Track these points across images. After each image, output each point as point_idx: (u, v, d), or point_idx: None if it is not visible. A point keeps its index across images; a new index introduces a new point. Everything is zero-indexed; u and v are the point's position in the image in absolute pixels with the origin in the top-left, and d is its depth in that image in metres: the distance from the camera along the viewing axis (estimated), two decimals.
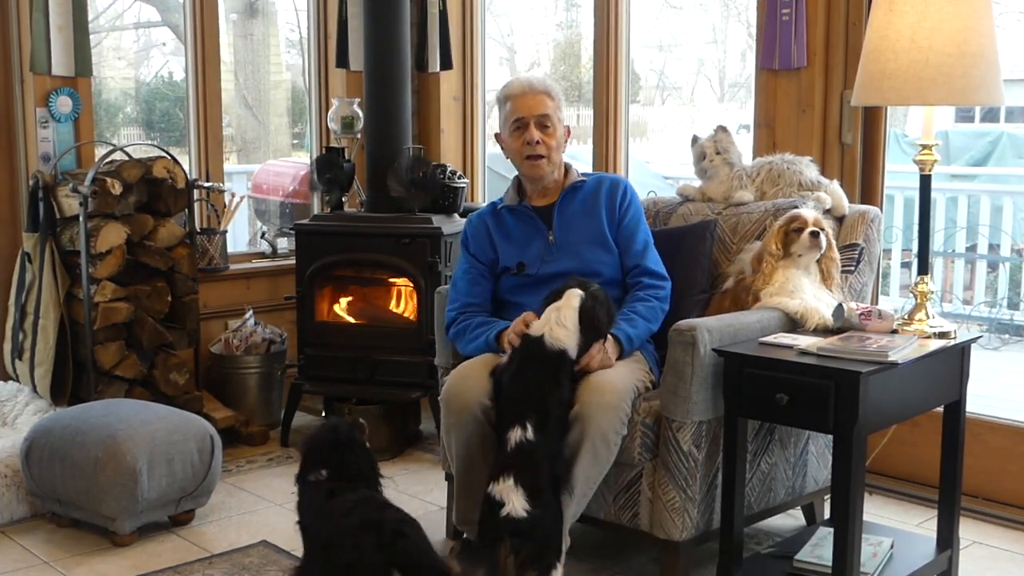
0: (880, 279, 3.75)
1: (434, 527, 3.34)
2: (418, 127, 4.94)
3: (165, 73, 6.22)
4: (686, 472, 2.69)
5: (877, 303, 3.40)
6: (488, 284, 3.12)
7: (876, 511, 3.42)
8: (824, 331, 2.76)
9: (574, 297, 2.76)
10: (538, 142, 3.04)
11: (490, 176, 5.42)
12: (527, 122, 3.05)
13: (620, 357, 2.87)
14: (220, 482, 3.52)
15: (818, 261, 2.96)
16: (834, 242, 3.00)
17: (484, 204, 4.64)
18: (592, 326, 2.76)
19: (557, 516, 2.60)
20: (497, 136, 3.19)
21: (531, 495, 2.52)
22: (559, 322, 2.72)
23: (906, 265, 6.20)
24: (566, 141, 3.15)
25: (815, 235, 2.89)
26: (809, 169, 3.29)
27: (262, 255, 4.79)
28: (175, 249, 4.00)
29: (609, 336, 2.86)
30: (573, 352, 2.73)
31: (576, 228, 3.08)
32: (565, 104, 3.18)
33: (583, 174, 3.22)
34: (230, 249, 4.53)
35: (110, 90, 5.83)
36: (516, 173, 3.20)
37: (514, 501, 2.51)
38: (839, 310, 2.75)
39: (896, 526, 3.21)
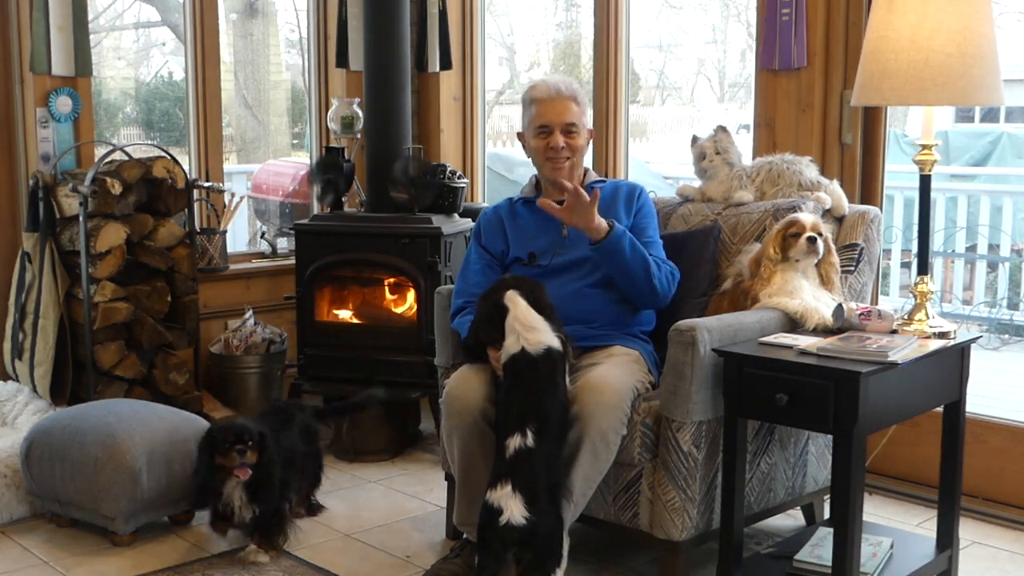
0: (880, 279, 3.75)
1: (434, 527, 3.34)
2: (418, 127, 4.94)
3: (165, 73, 6.23)
4: (686, 472, 2.69)
5: (877, 303, 3.40)
6: (496, 275, 3.14)
7: (876, 511, 3.42)
8: (824, 331, 2.76)
9: (517, 297, 2.70)
10: (563, 147, 3.07)
11: (490, 176, 5.43)
12: (552, 129, 3.07)
13: (605, 240, 2.87)
14: None
15: (817, 265, 2.95)
16: (833, 247, 2.99)
17: (484, 204, 4.67)
18: (547, 309, 2.72)
19: (556, 522, 2.58)
20: (520, 135, 3.21)
21: (529, 502, 2.50)
22: (526, 327, 2.67)
23: (906, 265, 6.21)
24: (588, 144, 3.18)
25: (812, 240, 2.88)
26: (809, 169, 3.29)
27: (262, 255, 4.79)
28: (175, 249, 4.00)
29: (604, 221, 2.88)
30: (556, 344, 2.67)
31: None
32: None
33: (600, 178, 3.25)
34: (230, 249, 4.53)
35: (110, 90, 5.83)
36: (533, 172, 3.23)
37: (512, 508, 2.49)
38: (839, 310, 2.75)
39: (896, 526, 3.21)
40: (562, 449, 2.65)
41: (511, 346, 2.67)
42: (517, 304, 2.70)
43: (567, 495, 2.65)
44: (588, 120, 3.16)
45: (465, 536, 2.92)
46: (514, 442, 2.56)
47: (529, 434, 2.56)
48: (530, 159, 3.19)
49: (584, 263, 3.03)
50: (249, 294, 4.56)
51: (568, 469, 2.67)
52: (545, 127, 3.08)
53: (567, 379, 2.72)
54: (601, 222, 2.88)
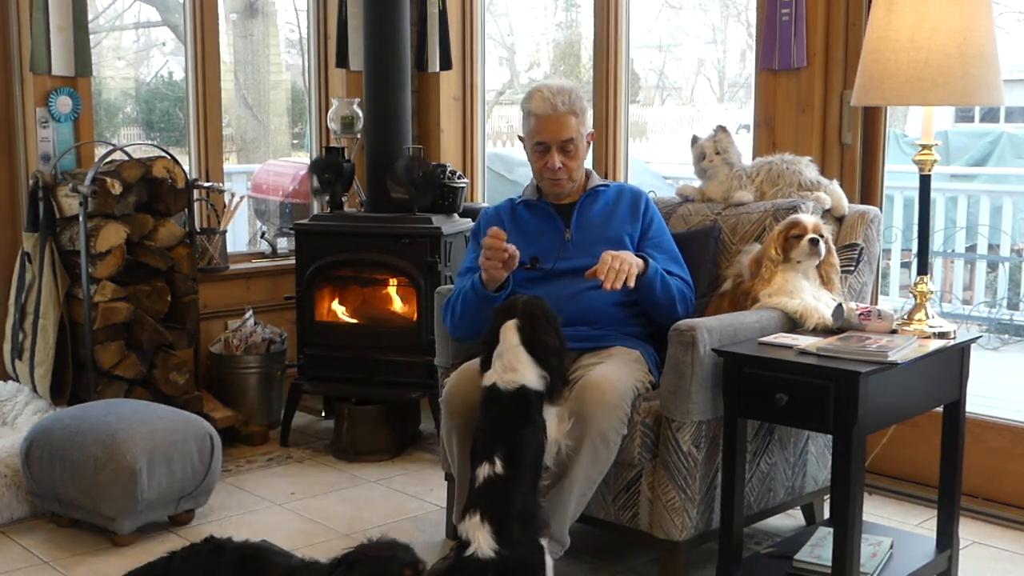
0: (880, 279, 3.75)
1: (434, 527, 3.34)
2: (418, 127, 4.94)
3: (165, 73, 6.23)
4: (686, 472, 2.69)
5: (877, 303, 3.40)
6: None
7: (876, 511, 3.42)
8: (824, 331, 2.76)
9: (510, 333, 2.62)
10: (560, 167, 3.04)
11: (490, 176, 5.43)
12: (549, 146, 3.04)
13: (643, 275, 2.86)
14: (220, 482, 3.52)
15: (817, 266, 2.95)
16: (834, 248, 2.99)
17: (484, 204, 4.67)
18: (541, 350, 2.61)
19: (532, 553, 2.48)
20: (520, 138, 3.18)
21: (499, 532, 2.42)
22: (507, 367, 2.60)
23: (906, 265, 6.21)
24: (589, 146, 3.15)
25: (814, 242, 2.88)
26: (809, 169, 3.29)
27: (262, 255, 4.79)
28: (175, 249, 4.00)
29: (640, 258, 2.87)
30: (534, 384, 2.59)
31: (594, 228, 3.08)
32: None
33: (603, 180, 3.24)
34: (230, 249, 4.53)
35: (110, 90, 5.83)
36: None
37: (480, 540, 2.41)
38: (839, 310, 2.75)
39: (896, 526, 3.21)
40: (537, 483, 2.58)
41: (487, 379, 2.63)
42: (507, 340, 2.62)
43: (543, 527, 2.57)
44: (588, 125, 3.11)
45: None
46: (483, 471, 2.50)
47: (498, 462, 2.49)
48: (530, 164, 3.19)
49: (587, 269, 3.00)
50: (249, 294, 4.56)
51: (567, 473, 2.66)
52: (542, 144, 3.05)
53: (548, 416, 2.62)
54: (639, 261, 2.87)
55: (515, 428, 2.55)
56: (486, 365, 2.67)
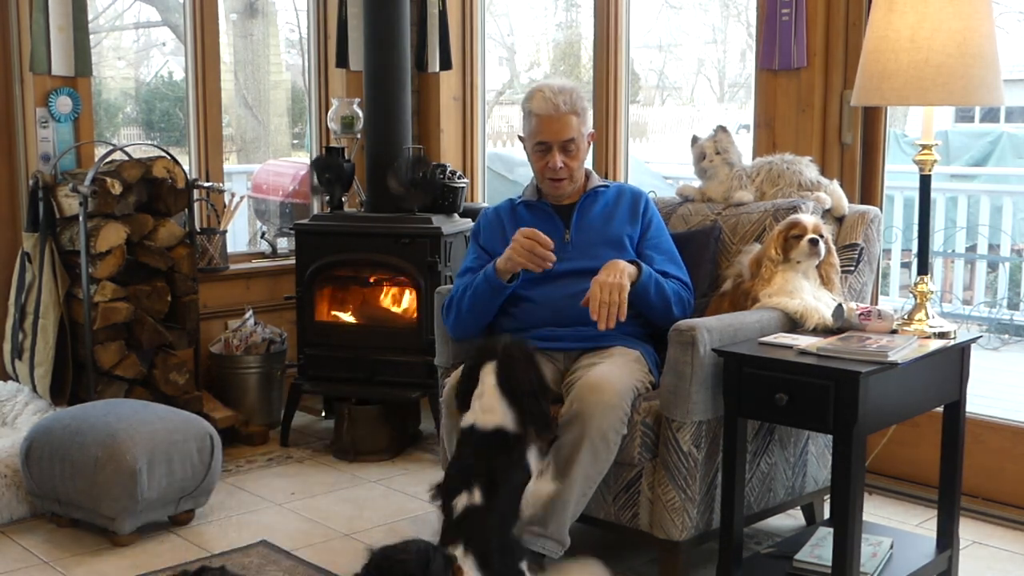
0: (880, 279, 3.75)
1: (434, 527, 3.34)
2: (418, 127, 4.94)
3: (165, 73, 6.23)
4: (686, 472, 2.70)
5: (877, 303, 3.40)
6: None
7: (876, 511, 3.42)
8: (824, 331, 2.76)
9: (488, 375, 2.62)
10: (561, 167, 3.04)
11: (490, 176, 5.43)
12: (551, 147, 3.04)
13: (636, 282, 2.86)
14: (220, 482, 3.52)
15: (817, 266, 2.95)
16: (833, 248, 2.99)
17: (484, 204, 4.67)
18: (516, 394, 2.61)
19: None
20: (520, 138, 3.18)
21: (483, 564, 2.43)
22: (484, 409, 2.61)
23: (906, 265, 6.21)
24: (589, 146, 3.15)
25: (814, 242, 2.88)
26: (809, 169, 3.29)
27: (262, 255, 4.80)
28: (175, 249, 4.00)
29: (630, 263, 2.87)
30: (511, 426, 2.60)
31: (594, 230, 3.08)
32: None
33: (603, 181, 3.23)
34: (230, 249, 4.53)
35: (110, 90, 5.83)
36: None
37: (465, 572, 2.39)
38: (839, 310, 2.75)
39: (896, 526, 3.21)
40: (515, 516, 2.59)
41: (465, 420, 2.65)
42: (485, 382, 2.63)
43: (523, 555, 2.58)
44: (589, 125, 3.12)
45: None
46: (462, 500, 2.51)
47: (476, 492, 2.51)
48: (530, 165, 3.18)
49: (587, 271, 3.00)
50: (249, 294, 4.56)
51: (567, 473, 2.67)
52: (543, 144, 3.05)
53: (531, 457, 2.63)
54: (631, 270, 2.87)
55: (493, 462, 2.56)
56: (464, 404, 2.69)
